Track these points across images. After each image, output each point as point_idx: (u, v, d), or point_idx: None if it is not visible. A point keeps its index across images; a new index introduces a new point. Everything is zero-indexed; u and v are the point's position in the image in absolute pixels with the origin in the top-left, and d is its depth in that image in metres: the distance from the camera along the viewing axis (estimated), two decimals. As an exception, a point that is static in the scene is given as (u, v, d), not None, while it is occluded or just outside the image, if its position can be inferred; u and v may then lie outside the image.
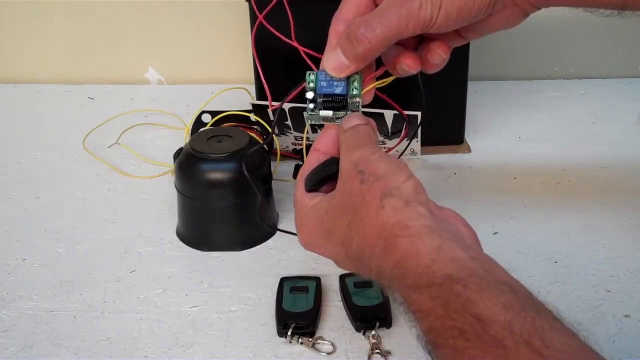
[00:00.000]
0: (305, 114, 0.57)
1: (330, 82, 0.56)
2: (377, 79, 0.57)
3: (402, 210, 0.44)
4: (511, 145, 0.89)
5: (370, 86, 0.57)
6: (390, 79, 0.58)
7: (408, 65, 0.55)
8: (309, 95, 0.56)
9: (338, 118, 0.56)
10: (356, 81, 0.55)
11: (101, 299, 0.64)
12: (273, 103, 0.77)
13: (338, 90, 0.56)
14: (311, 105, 0.57)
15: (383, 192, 0.45)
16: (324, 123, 0.57)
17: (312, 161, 0.55)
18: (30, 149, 0.89)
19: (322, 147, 0.55)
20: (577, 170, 0.83)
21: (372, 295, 0.62)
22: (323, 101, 0.56)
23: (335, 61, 0.54)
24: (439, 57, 0.55)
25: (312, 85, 0.56)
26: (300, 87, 0.57)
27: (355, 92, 0.56)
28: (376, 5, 0.54)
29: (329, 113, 0.56)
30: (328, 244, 0.51)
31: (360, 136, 0.51)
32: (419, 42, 0.56)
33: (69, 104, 1.01)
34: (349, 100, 0.56)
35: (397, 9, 0.50)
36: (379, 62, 0.56)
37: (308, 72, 0.56)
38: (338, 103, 0.56)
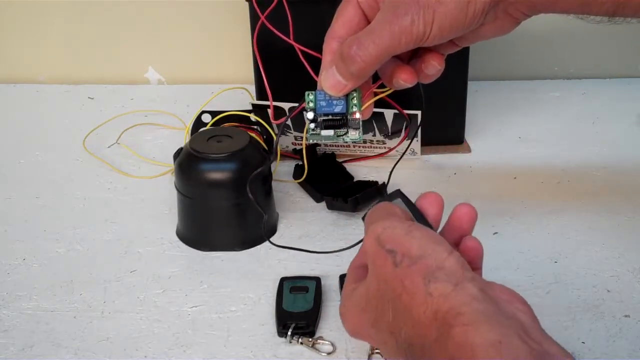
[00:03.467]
0: (306, 134, 0.58)
1: (330, 101, 0.56)
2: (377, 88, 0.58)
3: (452, 295, 0.39)
4: (511, 145, 0.89)
5: (369, 102, 0.57)
6: (388, 91, 0.58)
7: (404, 80, 0.55)
8: (309, 115, 0.56)
9: (339, 136, 0.57)
10: (355, 98, 0.56)
11: (101, 299, 0.64)
12: (275, 103, 0.77)
13: (338, 109, 0.56)
14: (312, 125, 0.57)
15: (425, 276, 0.40)
16: (326, 142, 0.58)
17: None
18: (30, 149, 0.89)
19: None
20: (577, 170, 0.83)
21: (372, 295, 0.62)
22: (324, 120, 0.56)
23: (332, 80, 0.54)
24: (434, 68, 0.55)
25: (311, 105, 0.56)
26: (300, 107, 0.57)
27: (355, 108, 0.56)
28: (368, 21, 0.54)
29: (330, 132, 0.57)
30: (377, 333, 0.46)
31: (378, 211, 0.47)
32: (413, 53, 0.56)
33: (69, 104, 1.01)
34: (349, 117, 0.56)
35: (390, 26, 0.50)
36: (375, 75, 0.56)
37: (307, 92, 0.57)
38: (338, 121, 0.56)
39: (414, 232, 0.43)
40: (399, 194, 0.50)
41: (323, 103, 0.56)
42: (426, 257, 0.41)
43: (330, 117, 0.56)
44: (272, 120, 0.75)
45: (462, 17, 0.50)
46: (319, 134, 0.57)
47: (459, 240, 0.47)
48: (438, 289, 0.40)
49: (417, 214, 0.48)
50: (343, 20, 0.55)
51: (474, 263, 0.46)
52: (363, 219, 0.49)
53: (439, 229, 0.49)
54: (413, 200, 0.50)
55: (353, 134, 0.57)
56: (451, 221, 0.48)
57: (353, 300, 0.46)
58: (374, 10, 0.53)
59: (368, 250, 0.44)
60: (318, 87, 0.56)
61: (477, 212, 0.48)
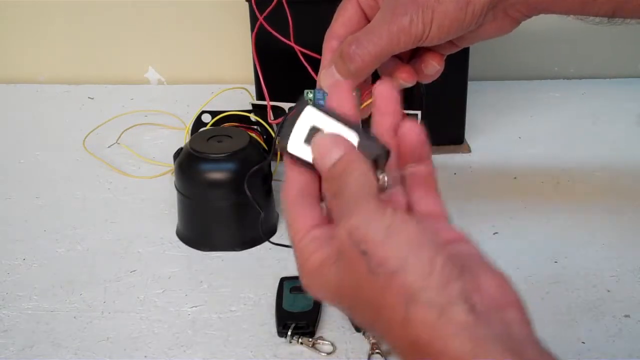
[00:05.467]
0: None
1: None
2: None
3: (436, 325, 0.34)
4: (511, 145, 0.89)
5: (368, 101, 0.57)
6: None
7: (403, 79, 0.55)
8: None
9: None
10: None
11: (101, 299, 0.64)
12: (275, 103, 0.77)
13: None
14: None
15: (405, 295, 0.35)
16: None
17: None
18: (30, 149, 0.89)
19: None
20: (577, 170, 0.83)
21: (372, 295, 0.62)
22: None
23: (331, 79, 0.54)
24: (433, 68, 0.55)
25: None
26: (295, 111, 0.57)
27: None
28: (368, 20, 0.54)
29: None
30: (352, 312, 0.40)
31: (349, 180, 0.39)
32: (413, 53, 0.56)
33: (69, 104, 1.01)
34: None
35: (388, 25, 0.50)
36: (375, 74, 0.56)
37: (306, 91, 0.57)
38: None
39: (393, 234, 0.36)
40: (305, 103, 0.42)
41: (322, 102, 0.56)
42: (405, 273, 0.35)
43: None
44: (270, 120, 0.75)
45: (462, 17, 0.50)
46: None
47: (395, 126, 0.43)
48: (419, 313, 0.34)
49: (335, 118, 0.41)
50: (343, 20, 0.55)
51: (417, 152, 0.43)
52: (280, 148, 0.41)
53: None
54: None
55: None
56: (376, 104, 0.44)
57: (322, 283, 0.40)
58: (374, 9, 0.53)
59: (341, 242, 0.38)
60: (317, 86, 0.56)
61: (396, 91, 0.43)
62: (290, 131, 0.41)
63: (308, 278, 0.40)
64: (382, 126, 0.43)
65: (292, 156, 0.40)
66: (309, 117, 0.41)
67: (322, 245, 0.40)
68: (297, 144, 0.40)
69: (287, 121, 0.41)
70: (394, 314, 0.35)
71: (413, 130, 0.42)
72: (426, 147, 0.43)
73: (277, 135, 0.41)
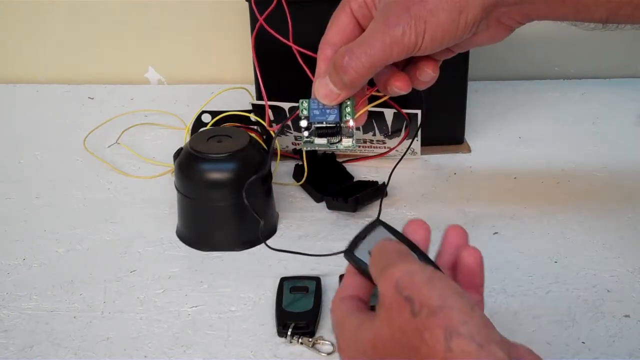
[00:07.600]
0: (301, 141, 0.58)
1: (323, 109, 0.56)
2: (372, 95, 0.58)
3: (475, 355, 0.36)
4: (511, 145, 0.89)
5: (363, 110, 0.57)
6: (383, 98, 0.58)
7: (398, 87, 0.55)
8: (303, 123, 0.57)
9: (333, 144, 0.57)
10: (348, 106, 0.56)
11: (101, 299, 0.64)
12: (275, 103, 0.77)
13: (331, 118, 0.56)
14: (306, 133, 0.57)
15: (447, 329, 0.37)
16: (319, 149, 0.58)
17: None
18: (30, 149, 0.89)
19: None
20: (577, 170, 0.83)
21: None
22: (317, 128, 0.56)
23: (325, 90, 0.54)
24: (428, 75, 0.55)
25: (305, 112, 0.56)
26: (295, 115, 0.58)
27: (348, 117, 0.56)
28: (362, 29, 0.54)
29: (324, 141, 0.57)
30: None
31: (390, 251, 0.43)
32: (408, 59, 0.56)
33: (69, 104, 1.01)
34: (342, 125, 0.56)
35: (381, 36, 0.50)
36: (371, 81, 0.56)
37: (301, 100, 0.57)
38: (332, 129, 0.56)
39: (435, 281, 0.39)
40: (379, 222, 0.47)
41: (317, 112, 0.56)
42: (447, 309, 0.37)
43: (324, 124, 0.56)
44: (268, 127, 0.75)
45: (454, 28, 0.50)
46: (312, 142, 0.57)
47: (456, 260, 0.45)
48: (460, 345, 0.36)
49: (403, 240, 0.46)
50: (337, 28, 0.55)
51: (473, 276, 0.44)
52: (345, 254, 0.46)
53: (434, 255, 0.47)
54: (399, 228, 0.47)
55: (346, 142, 0.57)
56: (444, 245, 0.46)
57: (358, 342, 0.42)
58: (367, 18, 0.53)
59: (384, 295, 0.41)
60: (312, 95, 0.56)
61: (466, 231, 0.46)
62: (360, 242, 0.46)
63: (345, 342, 0.43)
64: (446, 248, 0.46)
65: (356, 262, 0.45)
66: (379, 235, 0.46)
67: (358, 306, 0.44)
68: (363, 253, 0.45)
69: (359, 234, 0.47)
70: (434, 351, 0.37)
71: (473, 255, 0.44)
72: (482, 274, 0.45)
73: (348, 246, 0.46)
